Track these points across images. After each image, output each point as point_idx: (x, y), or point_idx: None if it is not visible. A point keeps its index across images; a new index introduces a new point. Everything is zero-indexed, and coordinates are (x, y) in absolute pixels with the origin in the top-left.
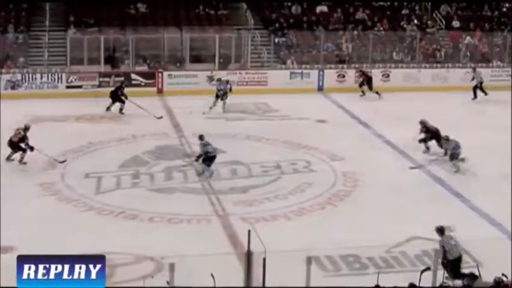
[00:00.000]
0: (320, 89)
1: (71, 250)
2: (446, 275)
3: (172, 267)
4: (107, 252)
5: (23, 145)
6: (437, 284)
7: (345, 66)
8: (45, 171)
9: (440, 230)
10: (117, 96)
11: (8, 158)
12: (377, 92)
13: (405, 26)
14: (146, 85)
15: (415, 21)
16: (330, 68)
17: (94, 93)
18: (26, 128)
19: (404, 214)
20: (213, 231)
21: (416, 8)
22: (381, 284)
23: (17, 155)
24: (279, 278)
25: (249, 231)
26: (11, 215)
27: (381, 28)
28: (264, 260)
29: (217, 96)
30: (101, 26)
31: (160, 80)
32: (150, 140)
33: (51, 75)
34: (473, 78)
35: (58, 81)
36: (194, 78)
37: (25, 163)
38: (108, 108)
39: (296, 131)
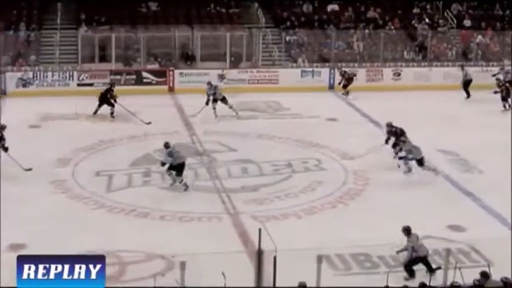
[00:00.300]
0: (331, 87)
1: (82, 248)
2: (406, 275)
3: (183, 265)
4: (117, 250)
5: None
6: (448, 283)
7: (356, 64)
8: (56, 169)
9: (407, 230)
10: (106, 99)
11: None
12: (347, 92)
13: (416, 24)
14: (157, 83)
15: (426, 20)
16: (341, 66)
17: None
18: (2, 128)
19: (415, 213)
20: (223, 230)
21: (428, 6)
22: (392, 284)
23: None
24: (289, 277)
25: (259, 229)
26: (21, 212)
27: (392, 27)
28: (275, 258)
29: (209, 102)
30: (112, 24)
31: (171, 78)
32: (161, 138)
33: (63, 73)
34: (465, 76)
35: (69, 79)
36: (205, 76)
37: None
38: (95, 112)
39: (307, 130)
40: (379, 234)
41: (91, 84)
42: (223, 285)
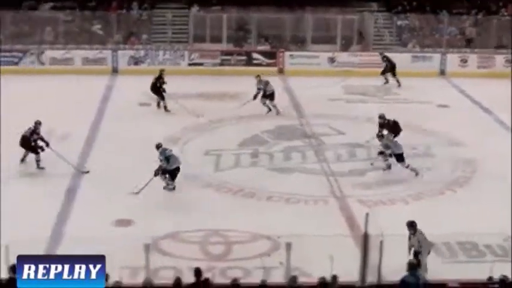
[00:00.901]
0: (442, 73)
1: (188, 226)
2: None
3: (289, 246)
4: (224, 230)
5: (39, 143)
6: None
7: (468, 50)
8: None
9: (413, 226)
10: (156, 89)
11: (23, 160)
12: (398, 80)
13: None
14: (267, 65)
15: None
16: (453, 52)
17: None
18: (37, 124)
19: None
20: (330, 213)
21: None
22: (498, 272)
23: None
24: (395, 262)
25: (366, 213)
26: (128, 189)
27: (505, 13)
28: (381, 243)
29: (257, 96)
30: (224, 5)
31: (281, 59)
32: (270, 120)
33: (174, 52)
34: None
35: (180, 59)
36: (315, 59)
37: (43, 168)
38: (158, 104)
39: (417, 115)
40: (487, 223)
41: (201, 64)
42: (329, 268)
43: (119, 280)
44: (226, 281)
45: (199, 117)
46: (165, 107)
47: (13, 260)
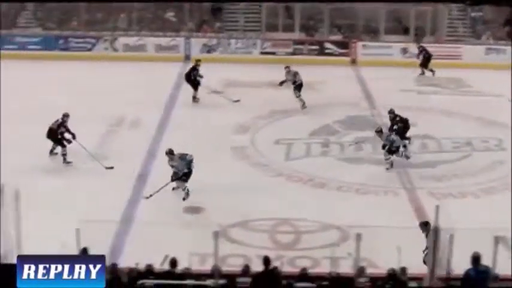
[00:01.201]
0: None
1: (258, 214)
2: None
3: (358, 237)
4: (293, 219)
5: (66, 136)
6: None
7: None
8: (236, 136)
9: (426, 225)
10: (190, 79)
11: (51, 152)
12: (431, 70)
13: None
14: (340, 54)
15: None
16: (420, 42)
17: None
18: (65, 116)
19: None
20: (399, 204)
21: None
22: None
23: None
24: (465, 256)
25: (437, 206)
26: (199, 176)
27: None
28: (451, 236)
29: (283, 84)
30: None
31: (354, 50)
32: (341, 110)
33: (246, 41)
34: None
35: (252, 47)
36: (388, 49)
37: (69, 163)
38: (193, 98)
39: (489, 108)
40: None
41: (273, 53)
42: (397, 260)
43: (188, 267)
44: (295, 270)
45: (235, 101)
46: (194, 97)
47: (84, 244)
